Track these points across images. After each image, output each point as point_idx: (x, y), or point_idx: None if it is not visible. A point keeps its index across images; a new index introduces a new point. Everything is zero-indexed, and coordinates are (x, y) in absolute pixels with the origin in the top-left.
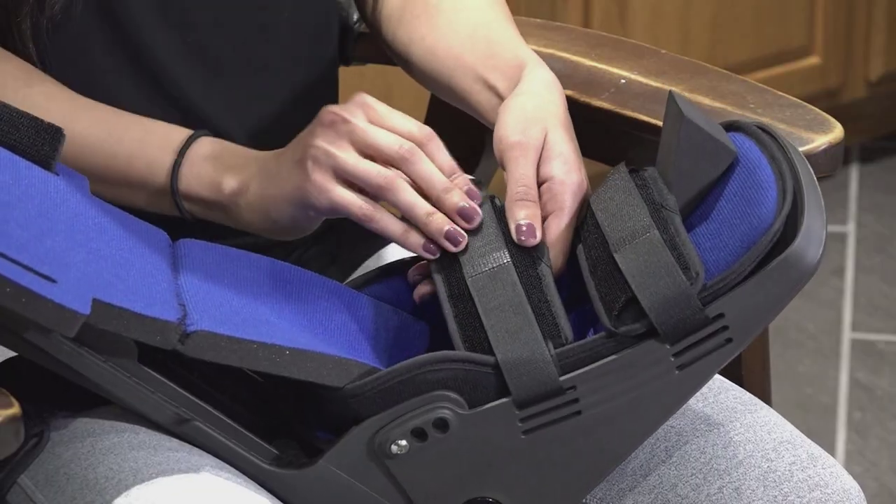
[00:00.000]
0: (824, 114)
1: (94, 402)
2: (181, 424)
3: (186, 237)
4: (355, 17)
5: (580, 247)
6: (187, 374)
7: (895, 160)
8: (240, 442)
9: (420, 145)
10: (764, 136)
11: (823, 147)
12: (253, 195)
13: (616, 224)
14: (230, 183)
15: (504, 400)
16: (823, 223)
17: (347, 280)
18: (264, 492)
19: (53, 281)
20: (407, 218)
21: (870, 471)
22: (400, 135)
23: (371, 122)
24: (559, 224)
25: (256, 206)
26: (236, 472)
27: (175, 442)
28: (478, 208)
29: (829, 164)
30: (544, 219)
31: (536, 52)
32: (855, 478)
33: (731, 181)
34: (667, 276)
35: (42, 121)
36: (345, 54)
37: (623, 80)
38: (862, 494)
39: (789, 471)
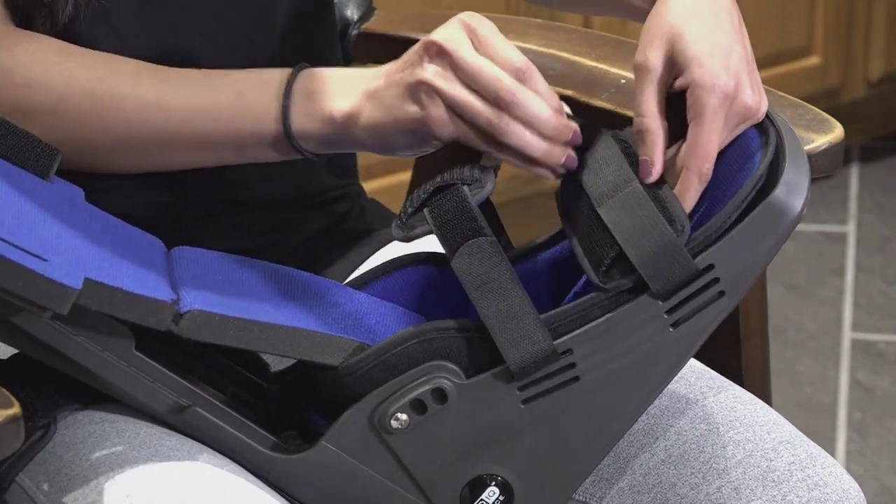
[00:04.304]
0: (824, 114)
1: (95, 399)
2: (180, 412)
3: (180, 245)
4: (355, 16)
5: (560, 205)
6: (187, 373)
7: (895, 160)
8: (240, 430)
9: (522, 79)
10: None
11: (823, 147)
12: (366, 121)
13: (597, 178)
14: (340, 111)
15: (500, 367)
16: (806, 176)
17: (347, 280)
18: (267, 488)
19: (44, 260)
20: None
21: (870, 471)
22: (502, 66)
23: (476, 50)
24: (697, 129)
25: (371, 133)
26: (239, 468)
27: (176, 440)
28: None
29: (829, 164)
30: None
31: (536, 51)
32: (855, 478)
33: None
34: (653, 229)
35: (40, 140)
36: (345, 54)
37: (623, 81)
38: (861, 494)
39: (788, 470)
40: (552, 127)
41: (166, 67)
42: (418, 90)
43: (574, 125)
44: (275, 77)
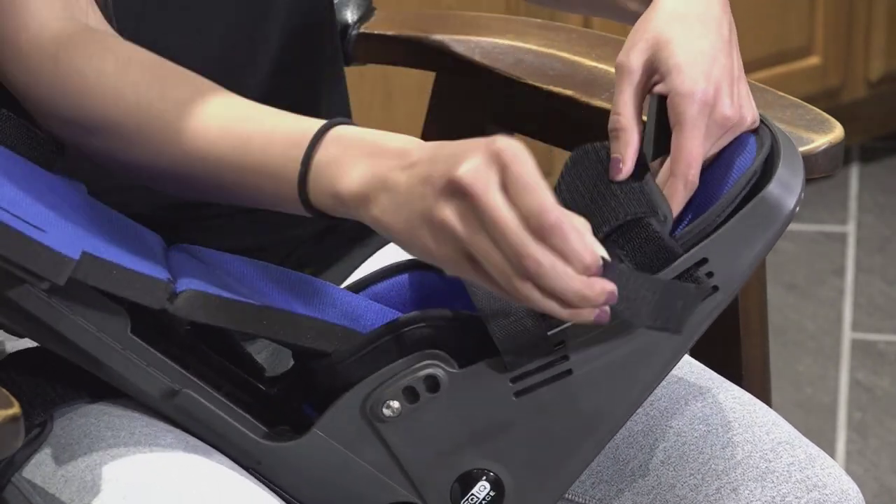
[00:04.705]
0: (824, 114)
1: (91, 397)
2: (173, 397)
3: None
4: (355, 17)
5: None
6: (182, 368)
7: (895, 160)
8: (231, 416)
9: (546, 234)
10: None
11: (823, 147)
12: (377, 214)
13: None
14: (348, 191)
15: (493, 358)
16: (800, 176)
17: (346, 282)
18: (262, 486)
19: (43, 230)
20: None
21: (870, 471)
22: (529, 216)
23: (504, 189)
24: (679, 136)
25: (380, 228)
26: (234, 465)
27: (171, 438)
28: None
29: (829, 164)
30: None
31: (536, 51)
32: (855, 478)
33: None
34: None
35: (49, 138)
36: (345, 54)
37: None
38: (860, 495)
39: (787, 471)
40: (578, 297)
41: (215, 96)
42: (433, 224)
43: (607, 287)
44: (302, 137)
